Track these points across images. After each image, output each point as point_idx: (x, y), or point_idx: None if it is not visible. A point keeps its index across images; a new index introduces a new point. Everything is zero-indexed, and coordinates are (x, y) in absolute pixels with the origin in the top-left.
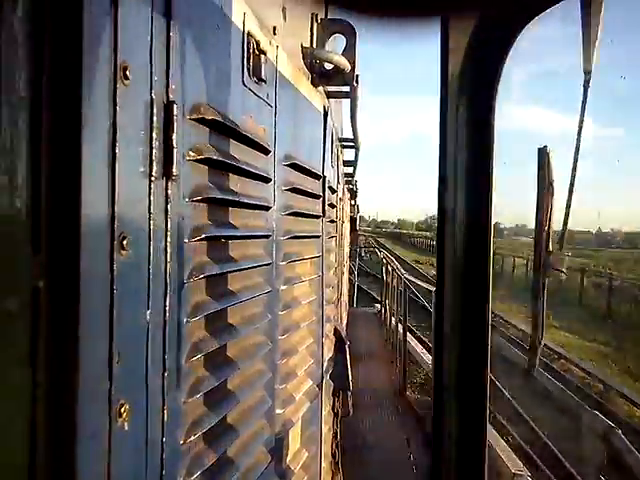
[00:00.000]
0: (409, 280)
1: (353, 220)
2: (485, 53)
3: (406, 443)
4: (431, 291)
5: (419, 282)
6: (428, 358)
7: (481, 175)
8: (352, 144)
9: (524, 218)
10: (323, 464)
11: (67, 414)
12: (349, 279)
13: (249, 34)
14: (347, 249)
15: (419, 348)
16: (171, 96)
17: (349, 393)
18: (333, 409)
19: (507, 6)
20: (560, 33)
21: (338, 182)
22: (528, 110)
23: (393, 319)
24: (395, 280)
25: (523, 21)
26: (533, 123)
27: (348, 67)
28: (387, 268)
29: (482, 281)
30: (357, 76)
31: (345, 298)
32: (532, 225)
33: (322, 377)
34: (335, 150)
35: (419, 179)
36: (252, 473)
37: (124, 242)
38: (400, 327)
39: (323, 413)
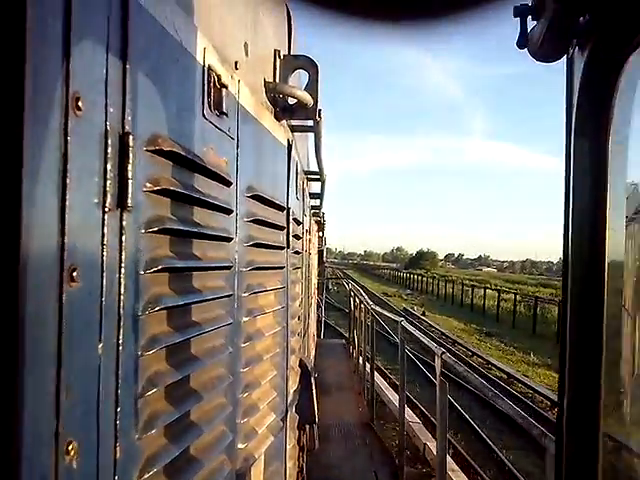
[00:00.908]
0: (377, 312)
1: (320, 253)
2: (602, 68)
3: (374, 476)
4: (397, 321)
5: (387, 313)
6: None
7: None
8: (317, 177)
9: (486, 248)
10: None
11: (10, 452)
12: (317, 314)
13: (210, 68)
14: (315, 280)
15: (394, 398)
16: (127, 127)
17: (315, 426)
18: (299, 443)
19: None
20: None
21: (304, 214)
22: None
23: (360, 358)
24: (363, 314)
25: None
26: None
27: (311, 102)
28: (354, 301)
29: (598, 308)
30: (320, 111)
31: (313, 330)
32: (495, 256)
33: (286, 410)
34: (300, 182)
35: (384, 213)
36: None
37: (74, 273)
38: (367, 366)
39: (287, 447)
